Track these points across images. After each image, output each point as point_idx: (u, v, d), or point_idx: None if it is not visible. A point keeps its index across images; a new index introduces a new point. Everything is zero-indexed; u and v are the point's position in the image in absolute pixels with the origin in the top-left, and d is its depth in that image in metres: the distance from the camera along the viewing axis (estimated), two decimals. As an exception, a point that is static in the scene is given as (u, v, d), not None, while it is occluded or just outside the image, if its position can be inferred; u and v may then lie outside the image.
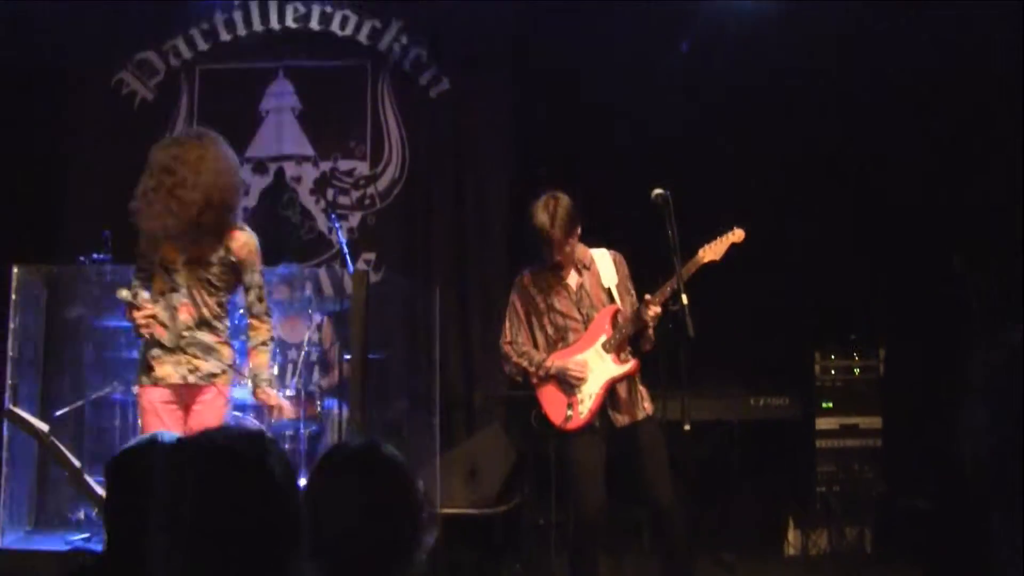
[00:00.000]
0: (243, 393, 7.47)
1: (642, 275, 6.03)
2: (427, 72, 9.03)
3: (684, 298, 5.59)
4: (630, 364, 5.85)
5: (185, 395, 5.73)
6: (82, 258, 7.64)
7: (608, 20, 8.45)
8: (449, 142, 9.04)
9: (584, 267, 5.93)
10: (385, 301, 8.30)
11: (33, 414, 6.48)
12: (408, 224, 9.06)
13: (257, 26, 9.12)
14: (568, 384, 5.83)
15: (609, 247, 6.05)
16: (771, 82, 8.24)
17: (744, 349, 7.99)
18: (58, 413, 7.33)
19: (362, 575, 2.51)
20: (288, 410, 6.27)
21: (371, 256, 8.96)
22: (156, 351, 5.68)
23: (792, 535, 7.77)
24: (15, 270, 7.33)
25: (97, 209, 8.19)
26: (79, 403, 7.56)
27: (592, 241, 6.01)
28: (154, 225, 5.60)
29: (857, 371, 7.82)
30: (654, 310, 5.68)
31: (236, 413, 6.95)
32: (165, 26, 9.14)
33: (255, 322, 5.91)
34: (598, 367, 5.83)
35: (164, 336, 5.67)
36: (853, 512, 7.62)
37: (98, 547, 5.18)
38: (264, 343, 5.92)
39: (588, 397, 5.81)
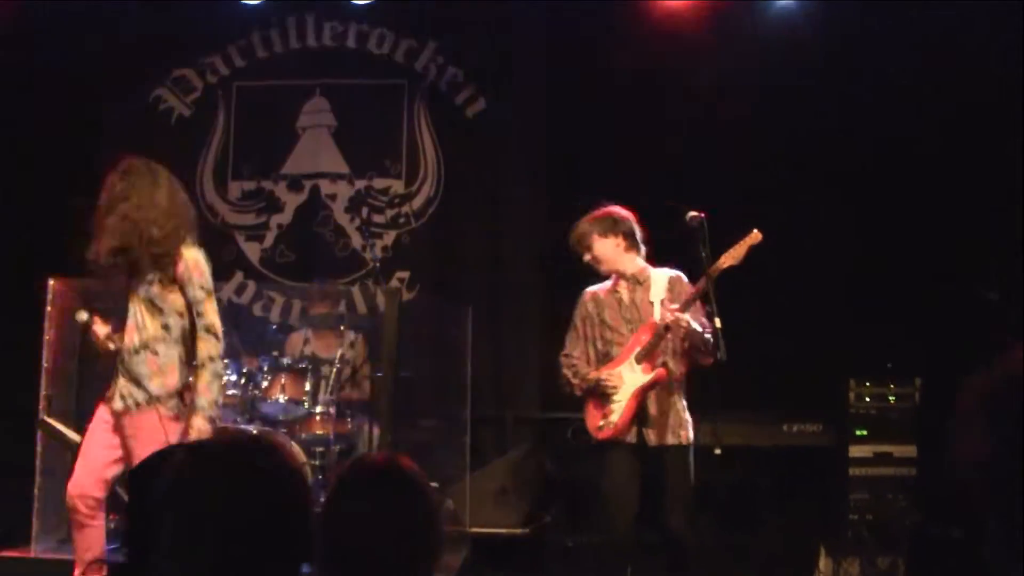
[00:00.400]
0: (275, 408, 7.55)
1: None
2: (463, 92, 9.06)
3: (717, 321, 5.64)
4: (655, 372, 5.87)
5: (121, 421, 5.54)
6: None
7: (644, 35, 8.46)
8: (484, 162, 9.05)
9: (638, 283, 6.03)
10: (418, 319, 8.30)
11: (66, 425, 6.53)
12: (442, 243, 9.07)
13: (294, 44, 9.17)
14: (604, 395, 5.91)
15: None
16: (811, 93, 8.22)
17: (778, 374, 7.93)
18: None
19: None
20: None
21: (405, 275, 8.97)
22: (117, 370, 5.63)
23: (823, 563, 7.68)
24: (51, 283, 7.38)
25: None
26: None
27: (659, 262, 6.12)
28: (94, 247, 5.55)
29: (892, 399, 7.74)
30: (671, 309, 5.72)
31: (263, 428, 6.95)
32: (202, 43, 9.22)
33: (197, 341, 5.57)
34: (629, 377, 5.89)
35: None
36: (886, 541, 7.52)
37: (119, 557, 5.17)
38: (203, 364, 5.53)
39: (619, 406, 5.87)
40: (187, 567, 2.18)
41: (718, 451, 5.74)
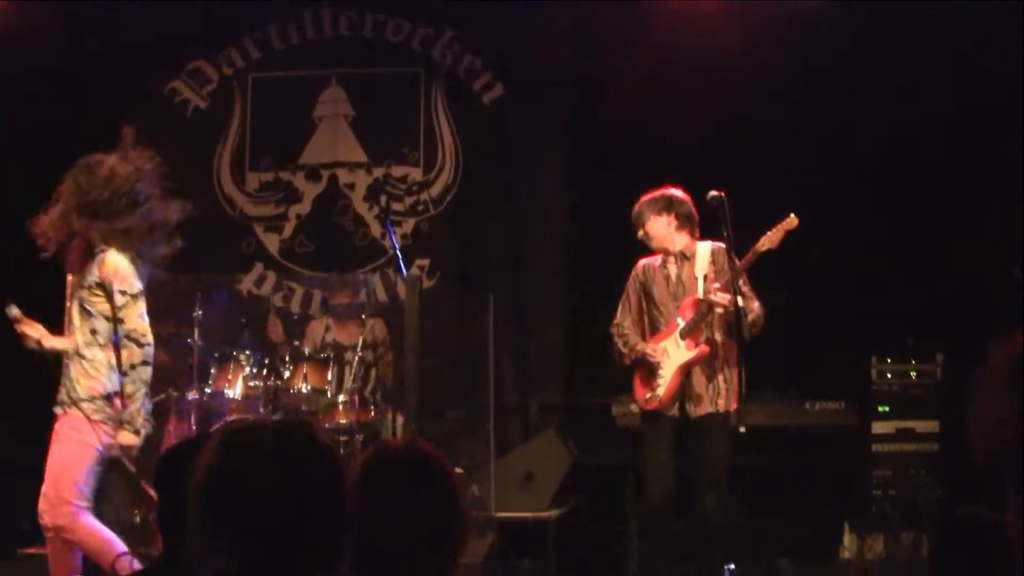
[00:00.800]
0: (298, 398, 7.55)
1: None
2: (480, 78, 9.05)
3: (740, 300, 5.81)
4: (698, 350, 6.09)
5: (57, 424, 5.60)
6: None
7: (666, 21, 8.43)
8: (503, 148, 9.02)
9: (685, 258, 6.27)
10: (439, 307, 8.33)
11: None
12: (462, 230, 9.07)
13: (310, 34, 9.18)
14: (651, 367, 6.16)
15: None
16: (838, 79, 8.20)
17: (800, 353, 7.92)
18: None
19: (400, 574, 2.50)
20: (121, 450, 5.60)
21: (425, 262, 8.97)
22: None
23: (848, 540, 7.69)
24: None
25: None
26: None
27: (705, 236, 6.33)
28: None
29: (914, 375, 7.73)
30: (715, 289, 5.97)
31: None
32: (218, 35, 9.22)
33: (120, 348, 5.56)
34: (674, 352, 6.14)
35: None
36: (909, 517, 7.53)
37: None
38: (125, 372, 5.52)
39: (664, 381, 6.11)
40: (217, 554, 2.19)
41: (742, 430, 5.90)
